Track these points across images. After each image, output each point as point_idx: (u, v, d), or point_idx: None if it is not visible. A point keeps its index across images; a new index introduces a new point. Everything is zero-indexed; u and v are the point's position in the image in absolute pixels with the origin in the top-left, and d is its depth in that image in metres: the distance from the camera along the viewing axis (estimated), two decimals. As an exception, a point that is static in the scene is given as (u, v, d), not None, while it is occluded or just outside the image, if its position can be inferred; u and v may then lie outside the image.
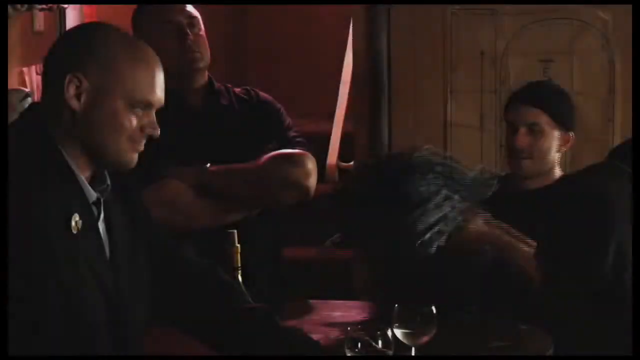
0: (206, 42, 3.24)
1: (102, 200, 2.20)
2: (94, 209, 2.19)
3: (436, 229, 2.74)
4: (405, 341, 2.36)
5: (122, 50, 2.16)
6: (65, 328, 2.08)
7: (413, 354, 2.37)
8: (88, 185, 2.17)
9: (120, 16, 5.01)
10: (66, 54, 2.16)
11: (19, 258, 2.01)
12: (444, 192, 2.78)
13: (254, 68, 7.11)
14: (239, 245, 2.76)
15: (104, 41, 2.16)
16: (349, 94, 5.37)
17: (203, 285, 2.41)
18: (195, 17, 3.24)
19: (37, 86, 4.32)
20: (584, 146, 4.16)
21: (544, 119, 3.28)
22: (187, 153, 3.09)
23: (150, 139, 2.21)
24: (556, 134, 3.30)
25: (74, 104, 2.12)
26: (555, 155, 3.32)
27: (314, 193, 3.18)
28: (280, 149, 3.16)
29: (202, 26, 3.25)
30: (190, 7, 3.26)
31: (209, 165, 3.09)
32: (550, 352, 2.65)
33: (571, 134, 3.34)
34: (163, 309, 2.38)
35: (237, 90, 3.32)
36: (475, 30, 4.39)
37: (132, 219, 2.32)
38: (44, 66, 2.23)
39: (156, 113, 2.21)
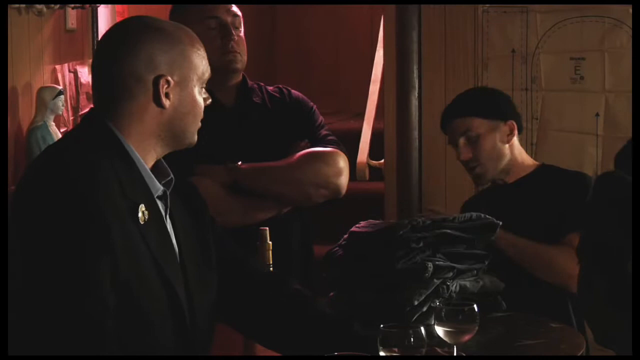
0: (245, 43, 3.25)
1: (167, 193, 2.23)
2: (160, 203, 2.21)
3: (425, 308, 2.72)
4: (447, 339, 2.35)
5: (184, 39, 2.24)
6: (123, 323, 2.06)
7: (455, 352, 2.36)
8: (154, 178, 2.20)
9: (152, 14, 5.03)
10: (143, 59, 2.18)
11: (85, 248, 2.02)
12: (430, 265, 2.74)
13: (284, 67, 7.13)
14: (270, 243, 2.76)
15: (170, 37, 2.22)
16: (379, 92, 5.37)
17: (273, 296, 2.43)
18: (238, 17, 3.24)
19: (70, 83, 4.35)
20: (616, 144, 4.14)
21: (474, 123, 3.30)
22: (219, 151, 3.10)
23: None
24: (493, 129, 3.31)
25: (165, 103, 2.19)
26: (504, 147, 3.33)
27: (345, 191, 3.18)
28: (312, 147, 3.17)
29: (243, 27, 3.25)
30: (235, 7, 3.25)
31: (240, 163, 3.10)
32: (582, 352, 2.64)
33: (511, 122, 3.34)
34: (227, 313, 2.40)
35: (270, 88, 3.32)
36: (507, 28, 4.39)
37: (196, 218, 2.34)
38: (107, 73, 2.22)
39: None
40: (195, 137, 2.28)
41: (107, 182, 2.08)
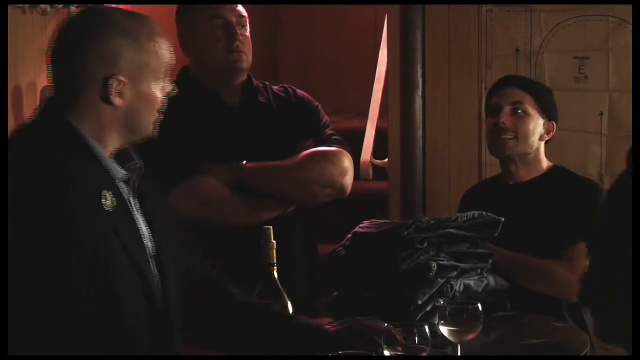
0: (250, 42, 3.24)
1: (133, 178, 2.23)
2: (124, 187, 2.22)
3: (429, 307, 2.72)
4: (451, 338, 2.35)
5: (140, 33, 2.21)
6: (100, 313, 2.08)
7: (459, 351, 2.36)
8: (115, 165, 2.21)
9: (156, 14, 5.04)
10: (95, 56, 2.17)
11: (51, 238, 2.03)
12: (434, 264, 2.74)
13: (287, 67, 7.12)
14: (274, 242, 2.76)
15: (124, 32, 2.19)
16: (383, 91, 5.36)
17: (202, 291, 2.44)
18: (244, 17, 3.24)
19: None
20: (620, 143, 4.15)
21: (527, 100, 3.35)
22: (223, 150, 3.10)
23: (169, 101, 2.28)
24: (539, 118, 3.37)
25: (118, 101, 2.19)
26: (538, 142, 3.38)
27: (350, 190, 3.18)
28: (317, 146, 3.17)
29: (248, 26, 3.25)
30: (240, 7, 3.25)
31: (245, 162, 3.10)
32: (586, 351, 2.64)
33: (553, 123, 3.40)
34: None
35: (275, 87, 3.32)
36: (511, 27, 4.38)
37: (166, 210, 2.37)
38: (62, 65, 2.22)
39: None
40: (151, 128, 2.26)
41: (69, 175, 2.09)
